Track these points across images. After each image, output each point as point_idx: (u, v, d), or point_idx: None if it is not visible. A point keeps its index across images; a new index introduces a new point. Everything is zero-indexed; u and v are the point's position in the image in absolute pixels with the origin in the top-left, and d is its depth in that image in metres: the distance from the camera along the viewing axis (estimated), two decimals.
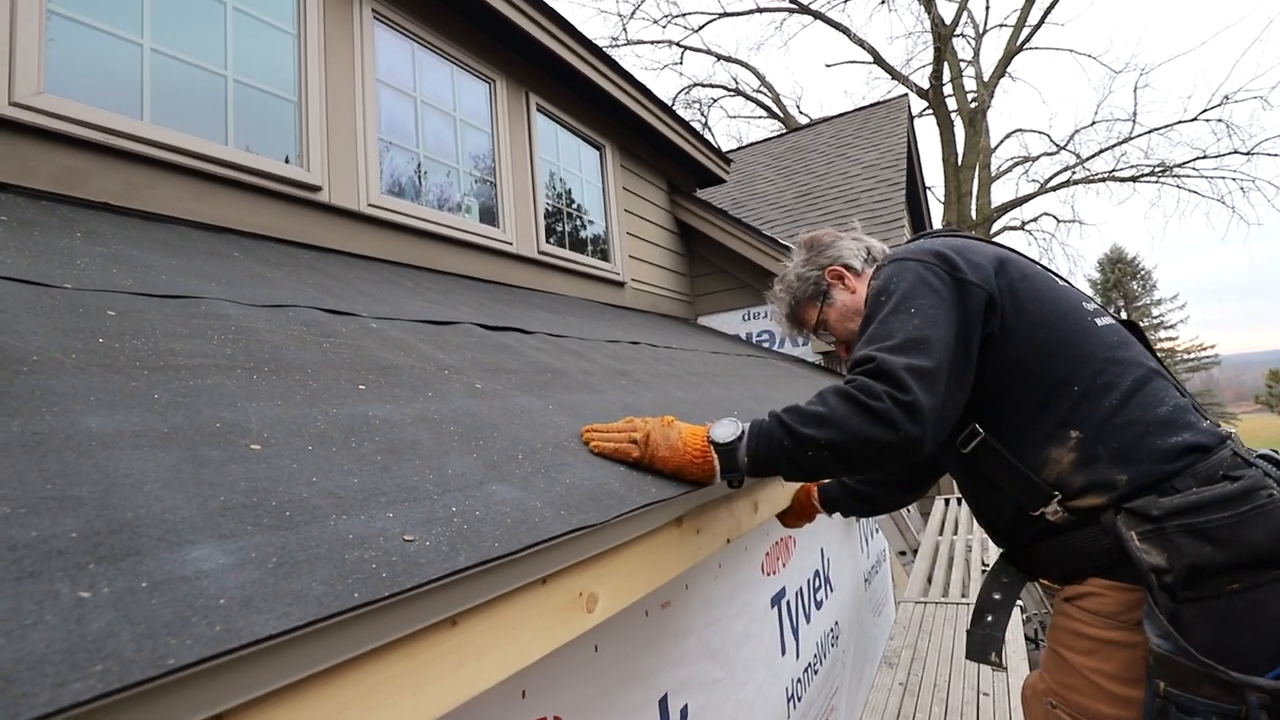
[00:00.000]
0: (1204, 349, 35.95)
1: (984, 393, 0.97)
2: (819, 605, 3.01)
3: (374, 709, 0.56)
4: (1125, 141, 16.04)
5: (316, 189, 2.24)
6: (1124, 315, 1.19)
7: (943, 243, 1.01)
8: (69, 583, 0.43)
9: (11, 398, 0.65)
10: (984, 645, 1.08)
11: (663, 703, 1.71)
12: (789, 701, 2.54)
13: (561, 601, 0.80)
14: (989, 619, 1.08)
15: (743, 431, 0.97)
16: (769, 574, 2.51)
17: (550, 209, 3.52)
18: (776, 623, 2.53)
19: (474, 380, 1.22)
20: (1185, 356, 35.98)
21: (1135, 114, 16.41)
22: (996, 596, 1.09)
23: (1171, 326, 36.62)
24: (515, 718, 1.22)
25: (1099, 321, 0.97)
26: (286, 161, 2.17)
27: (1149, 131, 15.95)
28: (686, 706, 1.83)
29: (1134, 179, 16.18)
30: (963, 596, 2.62)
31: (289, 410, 0.83)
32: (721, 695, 2.03)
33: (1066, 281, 1.05)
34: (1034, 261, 1.06)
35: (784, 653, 2.55)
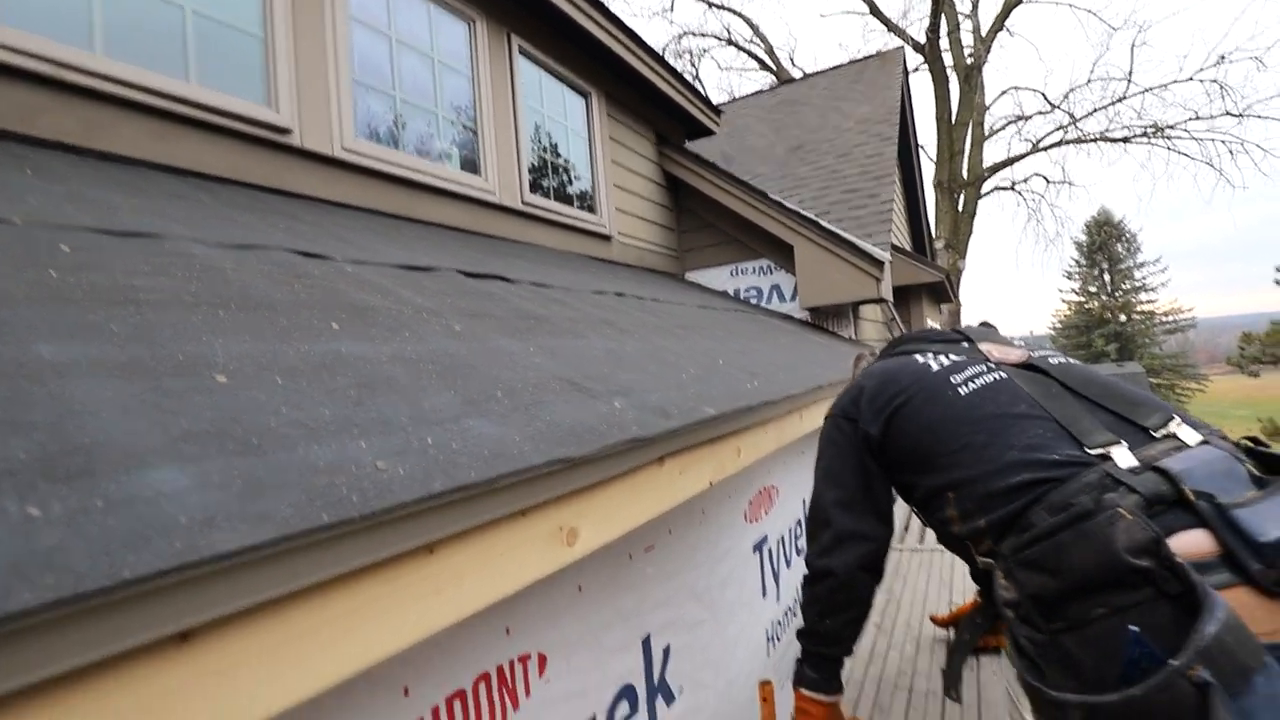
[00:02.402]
0: (1181, 311, 36.46)
1: (899, 483, 1.19)
2: (799, 552, 3.09)
3: (350, 632, 0.56)
4: (1119, 101, 15.85)
5: (286, 131, 2.15)
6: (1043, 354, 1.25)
7: (863, 381, 1.28)
8: (17, 501, 0.42)
9: None
10: (952, 682, 1.25)
11: (646, 642, 1.76)
12: (769, 642, 2.63)
13: (542, 534, 0.79)
14: (956, 657, 1.22)
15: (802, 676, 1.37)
16: (752, 521, 2.56)
17: (534, 158, 3.43)
18: (759, 567, 2.59)
19: (453, 323, 1.19)
20: (1163, 319, 36.50)
21: (1131, 73, 16.19)
22: (966, 637, 1.21)
23: (1153, 289, 37.02)
24: (499, 653, 1.24)
25: (965, 390, 1.08)
26: (256, 103, 2.08)
27: (1144, 91, 15.74)
28: (669, 646, 1.87)
29: (1126, 140, 16.05)
30: (937, 544, 2.70)
31: (257, 345, 0.80)
32: (705, 636, 2.09)
33: (955, 345, 1.23)
34: (930, 346, 1.26)
35: (765, 596, 2.62)
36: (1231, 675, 0.62)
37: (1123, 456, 0.86)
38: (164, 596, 0.42)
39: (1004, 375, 1.08)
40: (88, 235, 1.01)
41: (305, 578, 0.50)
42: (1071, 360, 1.14)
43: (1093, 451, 0.88)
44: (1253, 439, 0.90)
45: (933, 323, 6.09)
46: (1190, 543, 0.75)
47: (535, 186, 3.40)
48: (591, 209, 3.85)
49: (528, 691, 1.32)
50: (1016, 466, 0.92)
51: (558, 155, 3.64)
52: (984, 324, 1.37)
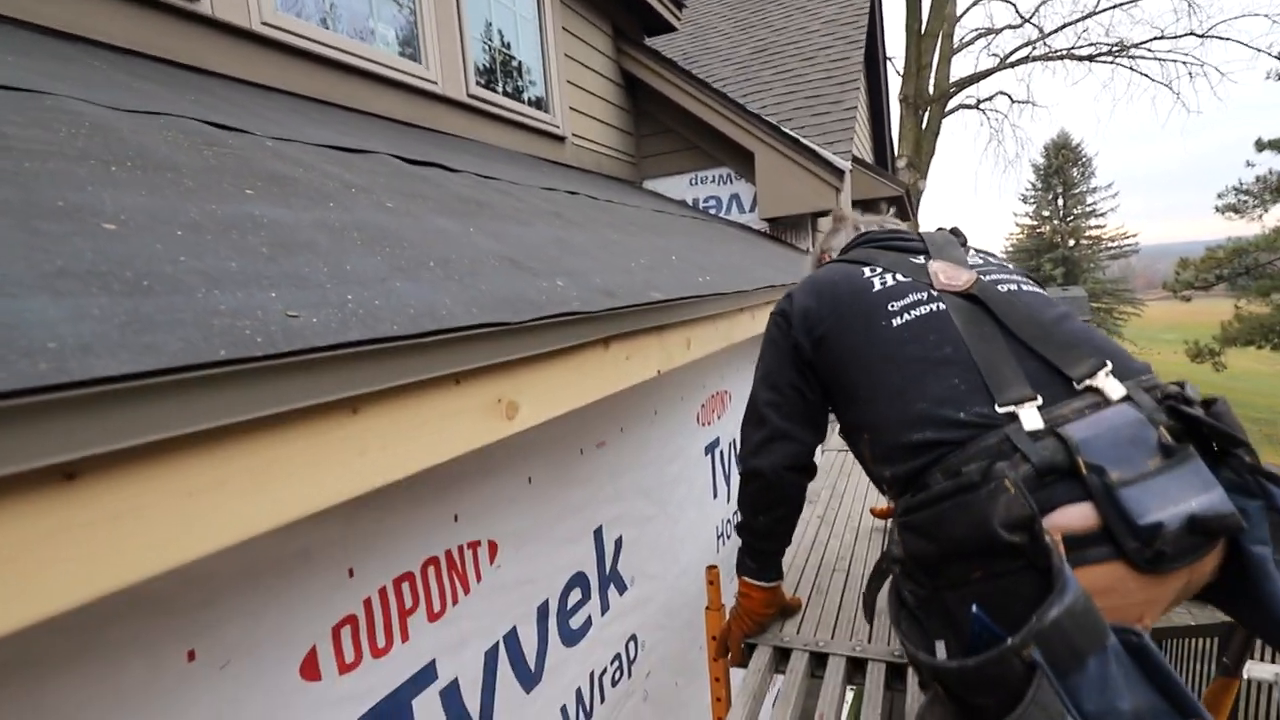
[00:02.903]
0: (1126, 237, 37.75)
1: (832, 395, 1.15)
2: None
3: (263, 486, 0.54)
4: (1089, 16, 15.59)
5: None
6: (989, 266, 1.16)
7: (806, 286, 1.21)
8: None
9: None
10: (869, 607, 1.25)
11: (598, 533, 1.81)
12: (718, 539, 2.76)
13: (478, 404, 0.77)
14: (875, 583, 1.18)
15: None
16: (704, 424, 2.62)
17: (481, 48, 3.17)
18: (709, 469, 2.67)
19: (384, 199, 1.11)
20: (1109, 245, 37.77)
21: None
22: (884, 566, 1.14)
23: (1102, 215, 38.04)
24: (447, 539, 1.25)
25: (897, 322, 1.01)
26: None
27: (1114, 6, 15.49)
28: (621, 538, 1.94)
29: (1091, 58, 15.92)
30: None
31: (155, 201, 0.72)
32: (655, 530, 2.17)
33: (907, 259, 1.14)
34: (877, 260, 1.18)
35: (715, 496, 2.73)
36: (1065, 657, 0.64)
37: (1030, 418, 0.82)
38: (40, 423, 0.38)
39: (940, 307, 0.99)
40: None
41: (204, 420, 0.47)
42: (1024, 287, 1.06)
43: (1001, 410, 0.84)
44: (1179, 391, 0.86)
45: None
46: (1074, 516, 0.75)
47: (482, 80, 3.17)
48: (543, 107, 3.63)
49: (478, 576, 1.35)
50: (922, 422, 0.89)
51: (506, 45, 3.38)
52: (953, 230, 1.28)
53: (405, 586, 1.15)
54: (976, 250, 1.20)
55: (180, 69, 1.84)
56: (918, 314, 1.00)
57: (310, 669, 0.98)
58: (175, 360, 0.43)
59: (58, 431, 0.40)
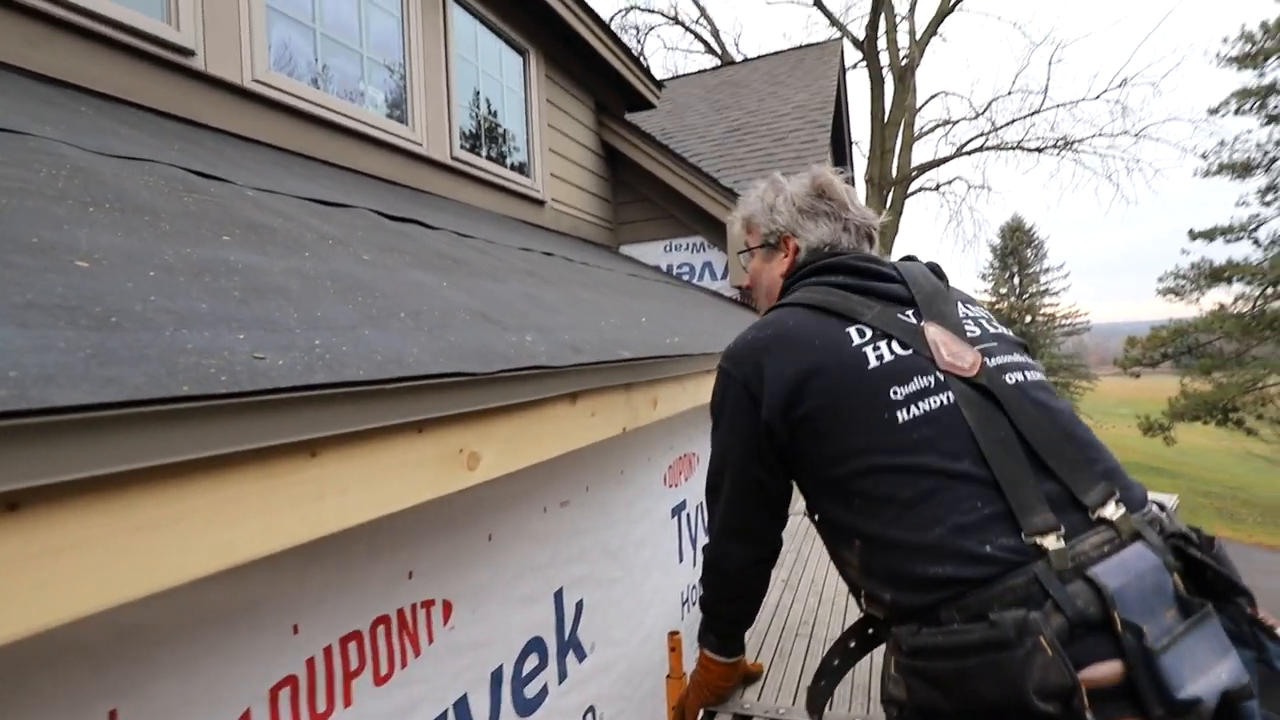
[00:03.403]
0: (1078, 316, 39.64)
1: (807, 483, 0.98)
2: None
3: (213, 526, 0.53)
4: (1035, 114, 16.92)
5: (189, 53, 1.98)
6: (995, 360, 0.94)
7: (762, 339, 0.99)
8: None
9: None
10: (817, 699, 1.09)
11: (558, 595, 1.76)
12: (684, 605, 2.69)
13: (440, 454, 0.78)
14: (823, 683, 1.07)
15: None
16: (671, 486, 2.60)
17: (467, 113, 3.30)
18: (676, 532, 2.64)
19: (361, 252, 1.14)
20: (1062, 322, 39.57)
21: (1047, 88, 17.37)
22: (836, 663, 1.07)
23: (1055, 294, 40.00)
24: (401, 597, 1.21)
25: (904, 416, 0.85)
26: (154, 18, 1.89)
27: (1057, 106, 16.86)
28: (582, 601, 1.89)
29: (1039, 150, 17.17)
30: None
31: (131, 242, 0.74)
32: (618, 594, 2.11)
33: (895, 314, 0.96)
34: (860, 333, 0.96)
35: (681, 560, 2.68)
36: None
37: (1056, 555, 0.75)
38: None
39: (949, 400, 0.85)
40: None
41: (161, 455, 0.47)
42: (1029, 375, 0.93)
43: (1026, 541, 0.76)
44: (1181, 530, 0.81)
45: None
46: (1103, 673, 0.70)
47: (466, 143, 3.28)
48: (525, 171, 3.76)
49: (430, 638, 1.30)
50: (941, 554, 0.78)
51: (492, 113, 3.52)
52: (931, 266, 1.11)
53: (352, 646, 1.10)
54: (962, 301, 1.05)
55: (169, 119, 1.88)
56: (926, 408, 0.85)
57: None
58: (136, 394, 0.44)
59: (7, 462, 0.39)
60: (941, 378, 0.87)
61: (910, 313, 0.96)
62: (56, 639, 0.71)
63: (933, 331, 0.93)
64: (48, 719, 0.70)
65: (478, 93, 3.40)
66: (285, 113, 2.31)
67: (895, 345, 0.91)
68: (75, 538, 0.44)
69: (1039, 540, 0.76)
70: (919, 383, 0.87)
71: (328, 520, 0.63)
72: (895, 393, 0.86)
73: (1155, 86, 16.40)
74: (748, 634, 1.38)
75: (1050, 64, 17.01)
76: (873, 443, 0.85)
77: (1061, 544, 0.75)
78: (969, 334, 0.96)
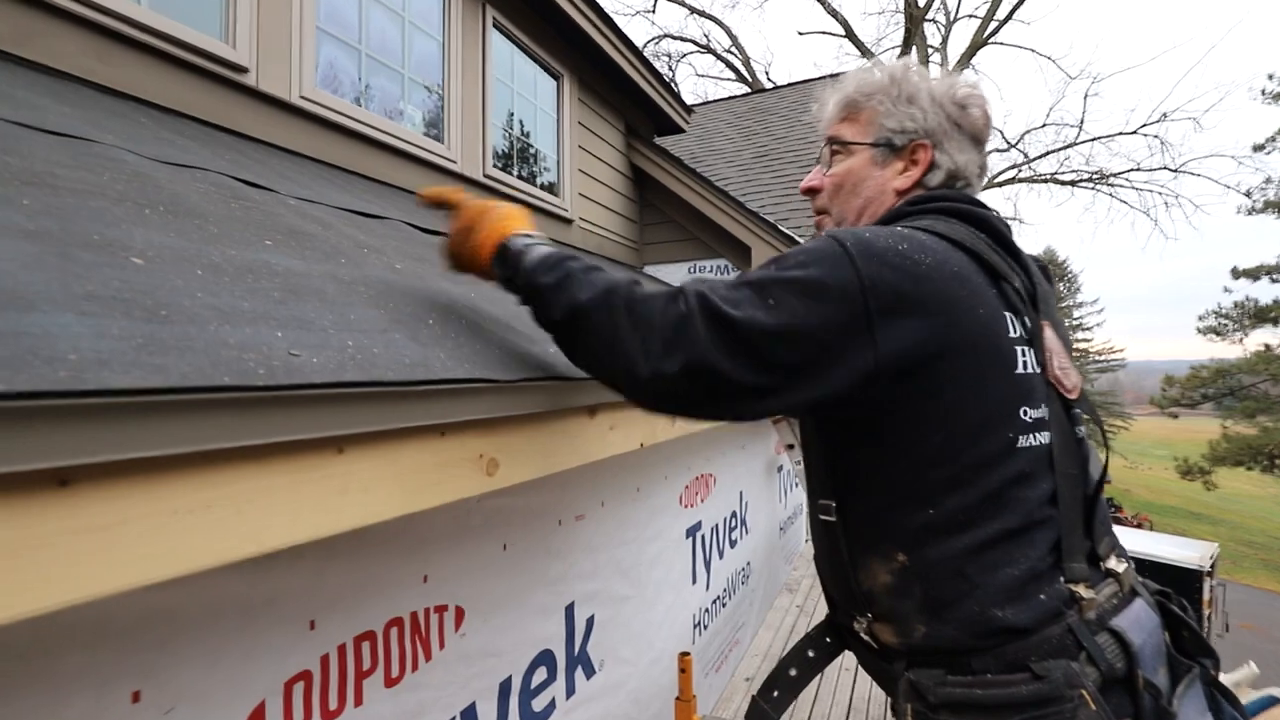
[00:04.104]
0: (1113, 352, 38.67)
1: (847, 454, 0.81)
2: (733, 544, 3.15)
3: (244, 514, 0.55)
4: (1070, 146, 16.77)
5: (243, 70, 2.08)
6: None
7: (920, 263, 0.71)
8: None
9: None
10: (768, 713, 0.98)
11: (569, 609, 1.77)
12: (695, 628, 2.67)
13: (460, 457, 0.80)
14: (774, 694, 0.98)
15: (534, 261, 0.82)
16: (687, 506, 2.60)
17: (500, 133, 3.40)
18: (690, 553, 2.63)
19: (394, 260, 1.18)
20: (1097, 358, 38.62)
21: (1083, 121, 17.18)
22: (792, 673, 0.98)
23: (1089, 329, 39.13)
24: (414, 600, 1.23)
25: (1023, 440, 0.73)
26: (212, 36, 2.00)
27: (1093, 140, 16.71)
28: (593, 617, 1.89)
29: (1073, 183, 16.98)
30: None
31: (182, 243, 0.78)
32: (629, 612, 2.11)
33: (1023, 305, 0.78)
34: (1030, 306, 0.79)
35: (694, 582, 2.66)
36: None
37: (1088, 605, 0.72)
38: (42, 426, 0.41)
39: (1049, 438, 0.76)
40: (11, 127, 0.97)
41: (200, 442, 0.50)
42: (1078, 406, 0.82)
43: (1063, 587, 0.72)
44: (1165, 593, 0.81)
45: None
46: None
47: (499, 162, 3.37)
48: (554, 191, 3.84)
49: (441, 643, 1.31)
50: (1005, 598, 0.71)
51: (524, 133, 3.62)
52: (1041, 267, 0.92)
53: (366, 646, 1.12)
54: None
55: (221, 131, 1.97)
56: (1041, 440, 0.75)
57: None
58: (182, 382, 0.47)
59: (61, 439, 0.42)
60: (1048, 403, 0.77)
61: (1030, 314, 0.79)
62: (86, 618, 0.74)
63: (1049, 337, 0.80)
64: (76, 695, 0.73)
65: (511, 114, 3.50)
66: (329, 128, 2.41)
67: (1032, 354, 0.77)
68: (119, 515, 0.47)
69: (1074, 588, 0.72)
70: (1042, 410, 0.76)
71: (352, 515, 0.65)
72: (1025, 414, 0.74)
73: (1196, 122, 16.11)
74: (760, 655, 1.36)
75: (1086, 97, 16.83)
76: (987, 459, 0.72)
77: (1092, 594, 0.72)
78: (1066, 332, 0.84)
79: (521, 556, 1.54)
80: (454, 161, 2.98)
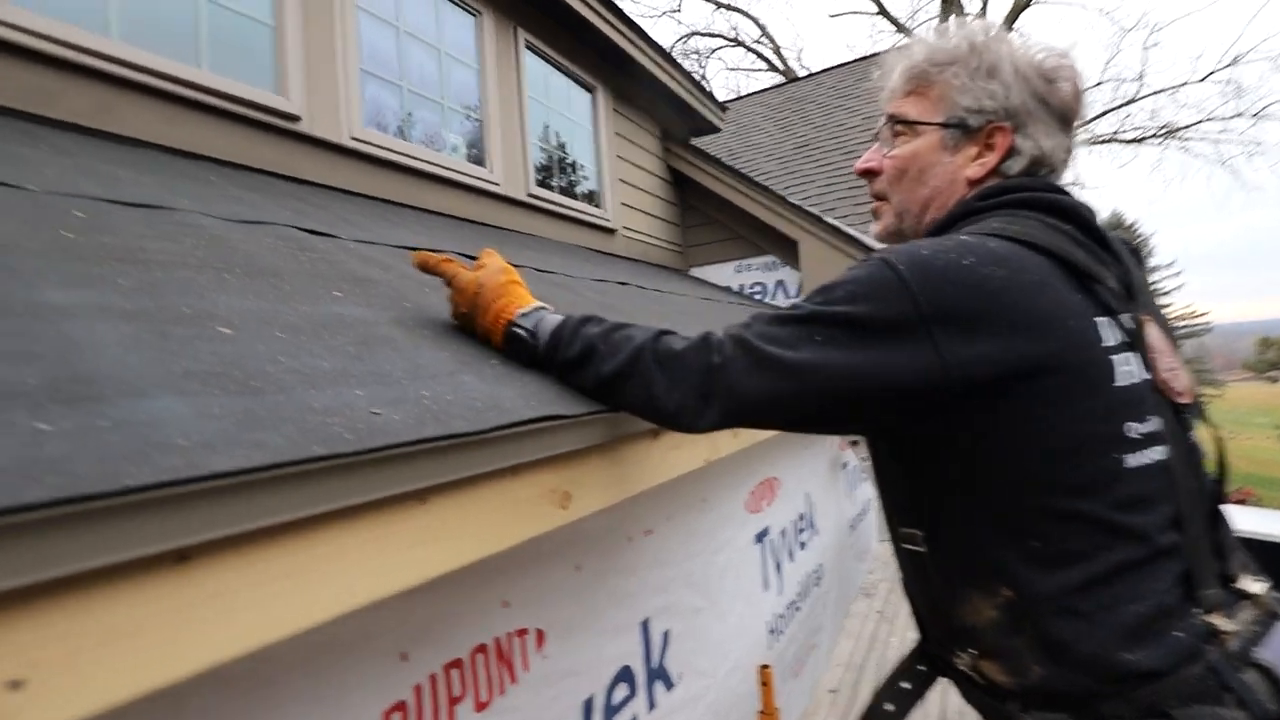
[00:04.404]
0: (1197, 316, 36.18)
1: (930, 481, 0.75)
2: (803, 546, 3.09)
3: (340, 571, 0.58)
4: (1131, 102, 15.78)
5: (296, 119, 2.18)
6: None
7: (992, 277, 0.64)
8: (27, 416, 0.44)
9: None
10: None
11: (644, 625, 1.77)
12: (771, 635, 2.63)
13: (534, 494, 0.81)
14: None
15: (550, 339, 0.87)
16: (753, 512, 2.57)
17: (539, 152, 3.45)
18: (759, 559, 2.59)
19: None
20: (1178, 324, 36.21)
21: (1143, 74, 16.16)
22: (889, 708, 0.91)
23: (1167, 294, 36.72)
24: (497, 626, 1.26)
25: (1131, 460, 0.66)
26: (266, 90, 2.11)
27: (1156, 93, 15.69)
28: (669, 631, 1.89)
29: (1138, 140, 15.96)
30: None
31: (260, 304, 0.82)
32: (703, 623, 2.09)
33: (1121, 305, 0.70)
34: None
35: (766, 588, 2.63)
36: None
37: (1230, 638, 0.65)
38: (163, 512, 0.44)
39: (1167, 453, 0.68)
40: (98, 204, 1.04)
41: (298, 510, 0.52)
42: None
43: (1199, 618, 0.65)
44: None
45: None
46: None
47: (540, 179, 3.42)
48: (596, 202, 3.87)
49: (526, 666, 1.34)
50: (1134, 638, 0.64)
51: (563, 149, 3.66)
52: (1131, 247, 0.83)
53: (455, 673, 1.15)
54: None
55: (279, 178, 2.07)
56: (1155, 458, 0.67)
57: None
58: (279, 456, 0.49)
59: (180, 519, 0.45)
60: (1163, 417, 0.69)
61: (1127, 313, 0.71)
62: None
63: (1153, 334, 0.71)
64: None
65: (549, 130, 3.55)
66: (377, 164, 2.50)
67: (1136, 360, 0.69)
68: (229, 585, 0.50)
69: (1211, 620, 0.65)
70: (1153, 423, 0.68)
71: (436, 563, 0.67)
72: (1130, 430, 0.66)
73: (1275, 61, 14.87)
74: (841, 664, 1.32)
75: (1145, 49, 15.81)
76: (1086, 485, 0.65)
77: (1232, 624, 0.65)
78: (1169, 327, 0.76)
79: (594, 576, 1.56)
80: (497, 184, 3.05)
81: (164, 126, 1.84)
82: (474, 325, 0.94)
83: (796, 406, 0.69)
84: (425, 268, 0.97)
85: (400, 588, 0.62)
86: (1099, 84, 16.37)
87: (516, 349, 0.90)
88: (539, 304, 0.92)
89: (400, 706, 1.05)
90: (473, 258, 1.88)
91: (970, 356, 0.62)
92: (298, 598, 0.53)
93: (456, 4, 2.92)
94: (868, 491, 4.54)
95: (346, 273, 1.12)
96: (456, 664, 1.16)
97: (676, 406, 0.73)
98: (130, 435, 0.45)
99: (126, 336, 0.60)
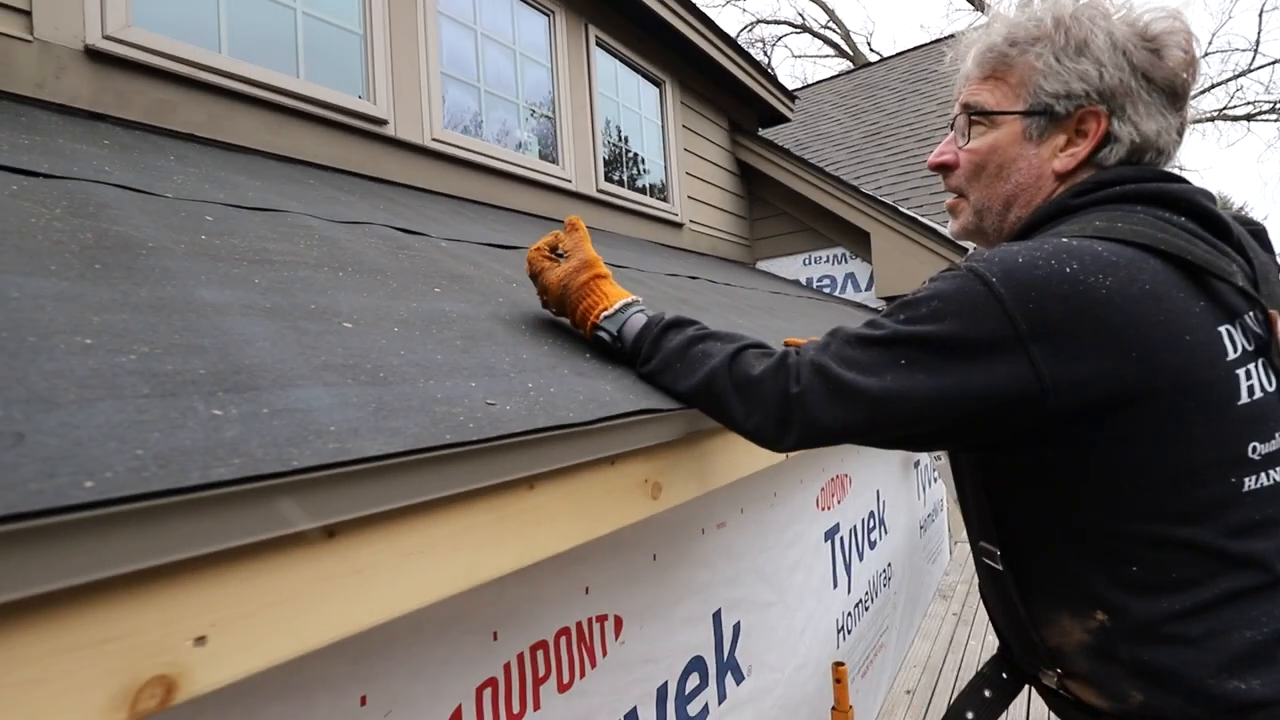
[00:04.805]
0: None
1: (1015, 498, 0.71)
2: (872, 545, 3.02)
3: (461, 550, 0.61)
4: (1243, 74, 14.42)
5: (383, 123, 2.29)
6: None
7: (1093, 287, 0.58)
8: (204, 403, 0.49)
9: (136, 271, 0.71)
10: None
11: (716, 616, 1.78)
12: (839, 633, 2.59)
13: (628, 484, 0.83)
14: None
15: (631, 347, 0.88)
16: (823, 509, 2.53)
17: (609, 148, 3.49)
18: (829, 556, 2.56)
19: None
20: None
21: (1258, 42, 14.70)
22: (969, 716, 0.87)
23: None
24: (579, 610, 1.30)
25: (1250, 482, 0.60)
26: (356, 96, 2.23)
27: (1272, 62, 14.26)
28: (739, 624, 1.89)
29: (1249, 117, 14.60)
30: None
31: (374, 301, 0.88)
32: (773, 618, 2.09)
33: (1245, 303, 0.64)
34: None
35: (835, 586, 2.59)
36: None
37: None
38: (318, 491, 0.48)
39: None
40: (224, 209, 1.13)
41: (431, 492, 0.56)
42: None
43: None
44: None
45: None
46: None
47: (610, 174, 3.46)
48: (664, 197, 3.88)
49: (604, 651, 1.37)
50: (1245, 667, 0.60)
51: (631, 144, 3.68)
52: (1257, 233, 0.75)
53: (540, 654, 1.20)
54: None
55: (368, 180, 2.18)
56: (1277, 480, 0.62)
57: None
58: (415, 443, 0.53)
59: (329, 499, 0.49)
60: None
61: (1255, 310, 0.65)
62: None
63: None
64: (318, 701, 0.85)
65: (618, 127, 3.58)
66: (456, 164, 2.59)
67: (1264, 370, 0.63)
68: (370, 560, 0.54)
69: None
70: (1278, 441, 0.62)
71: (543, 546, 0.70)
72: (1254, 450, 0.60)
73: None
74: (919, 666, 1.30)
75: (1261, 14, 14.37)
76: (1196, 513, 0.60)
77: None
78: None
79: (670, 566, 1.58)
80: (569, 181, 3.10)
81: (266, 134, 1.98)
82: (567, 318, 0.96)
83: (879, 433, 0.66)
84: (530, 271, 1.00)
85: (514, 566, 0.66)
86: (1205, 55, 15.05)
87: (604, 349, 0.92)
88: (623, 301, 0.90)
89: (491, 683, 1.10)
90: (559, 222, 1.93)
91: (1074, 378, 0.57)
92: (430, 573, 0.57)
93: (529, 4, 2.98)
94: (939, 492, 4.38)
95: (443, 270, 1.18)
96: (541, 645, 1.21)
97: (754, 429, 0.73)
98: (289, 421, 0.50)
99: (270, 331, 0.66)
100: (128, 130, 1.65)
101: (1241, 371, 0.61)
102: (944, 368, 0.60)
